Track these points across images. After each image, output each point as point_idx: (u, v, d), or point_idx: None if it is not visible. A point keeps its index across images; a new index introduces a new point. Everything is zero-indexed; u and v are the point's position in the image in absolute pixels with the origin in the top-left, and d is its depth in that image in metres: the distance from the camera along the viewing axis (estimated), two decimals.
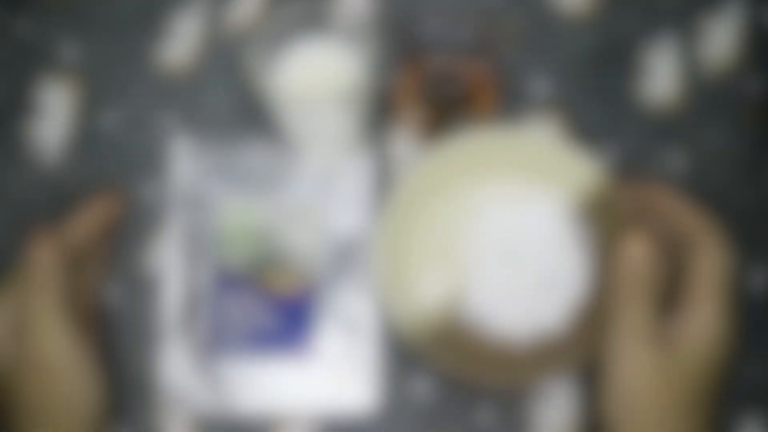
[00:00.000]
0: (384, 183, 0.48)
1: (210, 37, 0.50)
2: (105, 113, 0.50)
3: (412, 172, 0.45)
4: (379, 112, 0.48)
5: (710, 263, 0.38)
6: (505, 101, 0.49)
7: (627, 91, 0.49)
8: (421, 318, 0.44)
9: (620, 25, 0.50)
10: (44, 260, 0.40)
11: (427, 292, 0.45)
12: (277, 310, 0.46)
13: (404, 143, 0.48)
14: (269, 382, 0.45)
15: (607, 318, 0.39)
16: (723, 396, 0.38)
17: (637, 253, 0.38)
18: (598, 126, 0.48)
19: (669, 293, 0.38)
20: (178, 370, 0.45)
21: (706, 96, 0.49)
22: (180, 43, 0.51)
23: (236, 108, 0.49)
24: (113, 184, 0.48)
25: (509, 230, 0.45)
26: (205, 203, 0.47)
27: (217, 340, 0.46)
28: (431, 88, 0.46)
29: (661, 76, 0.49)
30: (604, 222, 0.44)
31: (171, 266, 0.47)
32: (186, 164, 0.48)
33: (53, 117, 0.50)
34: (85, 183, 0.49)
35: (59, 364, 0.40)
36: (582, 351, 0.42)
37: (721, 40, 0.50)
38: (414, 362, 0.46)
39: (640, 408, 0.37)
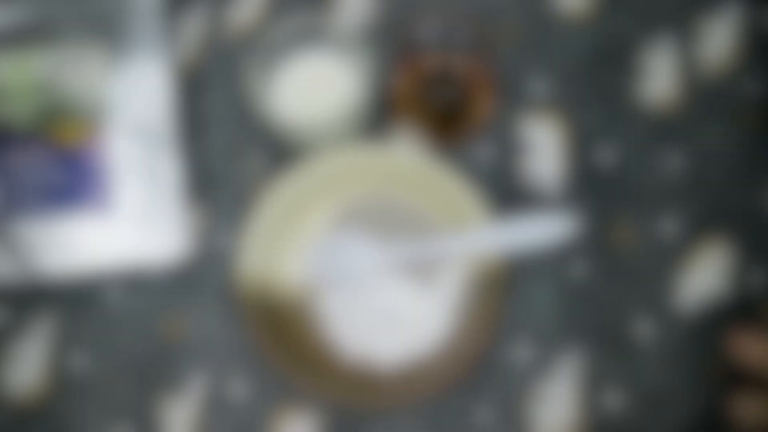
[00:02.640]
0: None
1: (211, 38, 0.50)
2: None
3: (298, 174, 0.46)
4: (380, 115, 0.48)
5: None
6: (504, 101, 0.49)
7: (627, 91, 0.49)
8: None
9: (620, 26, 0.50)
10: None
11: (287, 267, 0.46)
12: (69, 164, 0.43)
13: (405, 144, 0.49)
14: (70, 240, 0.43)
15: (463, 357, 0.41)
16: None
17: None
18: (598, 126, 0.49)
19: None
20: None
21: (706, 96, 0.49)
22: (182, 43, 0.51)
23: None
24: None
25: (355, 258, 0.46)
26: None
27: (9, 203, 0.42)
28: (429, 89, 0.46)
29: (660, 77, 0.49)
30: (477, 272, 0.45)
31: None
32: None
33: None
34: None
35: None
36: (424, 389, 0.43)
37: (720, 40, 0.50)
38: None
39: None
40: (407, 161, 0.46)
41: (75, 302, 0.47)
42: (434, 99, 0.47)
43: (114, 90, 0.43)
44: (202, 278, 0.47)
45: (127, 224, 0.44)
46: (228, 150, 0.49)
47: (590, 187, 0.48)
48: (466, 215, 0.45)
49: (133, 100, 0.43)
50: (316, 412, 0.46)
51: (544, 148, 0.48)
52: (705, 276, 0.47)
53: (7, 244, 0.43)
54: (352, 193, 0.47)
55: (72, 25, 0.43)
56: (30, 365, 0.46)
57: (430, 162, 0.46)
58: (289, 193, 0.46)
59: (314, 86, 0.43)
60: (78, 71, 0.43)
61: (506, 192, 0.48)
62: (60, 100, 0.42)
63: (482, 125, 0.48)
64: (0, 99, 0.42)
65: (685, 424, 0.45)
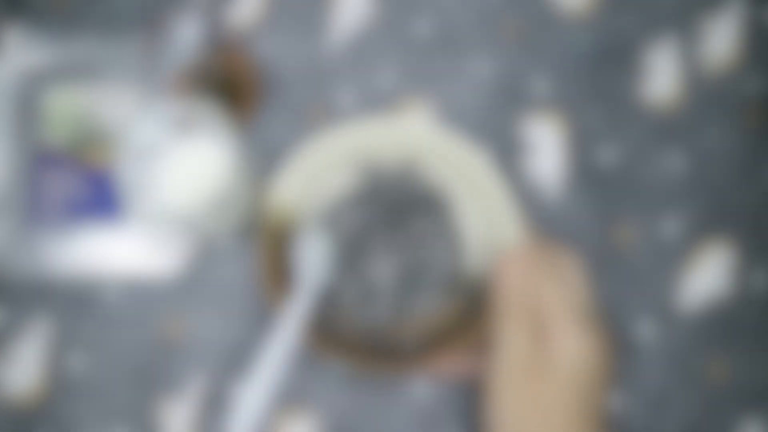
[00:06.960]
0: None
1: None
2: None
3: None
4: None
5: (561, 292, 0.39)
6: (504, 100, 0.49)
7: (627, 91, 0.49)
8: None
9: (620, 25, 0.50)
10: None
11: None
12: (94, 181, 0.49)
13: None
14: (84, 248, 0.49)
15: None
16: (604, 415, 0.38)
17: (515, 279, 0.39)
18: (600, 125, 0.49)
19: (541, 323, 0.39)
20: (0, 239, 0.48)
21: (708, 95, 0.49)
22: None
23: None
24: None
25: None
26: (33, 88, 0.50)
27: (37, 212, 0.49)
28: (200, 84, 0.48)
29: (662, 75, 0.49)
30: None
31: None
32: (18, 51, 0.50)
33: None
34: None
35: None
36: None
37: (721, 40, 0.50)
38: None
39: None
40: (427, 132, 0.45)
41: (74, 302, 0.47)
42: (208, 90, 0.48)
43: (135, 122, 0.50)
44: (202, 279, 0.47)
45: (136, 237, 0.48)
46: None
47: (592, 187, 0.48)
48: (484, 185, 0.45)
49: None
50: (314, 413, 0.45)
51: (545, 148, 0.48)
52: (707, 275, 0.47)
53: (29, 246, 0.47)
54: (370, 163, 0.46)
55: (110, 66, 0.51)
56: (28, 365, 0.46)
57: (449, 134, 0.45)
58: (315, 155, 0.45)
59: (188, 179, 0.43)
60: (111, 105, 0.50)
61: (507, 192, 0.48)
62: (93, 129, 0.49)
63: (256, 106, 0.49)
64: (46, 125, 0.49)
65: (685, 424, 0.45)
